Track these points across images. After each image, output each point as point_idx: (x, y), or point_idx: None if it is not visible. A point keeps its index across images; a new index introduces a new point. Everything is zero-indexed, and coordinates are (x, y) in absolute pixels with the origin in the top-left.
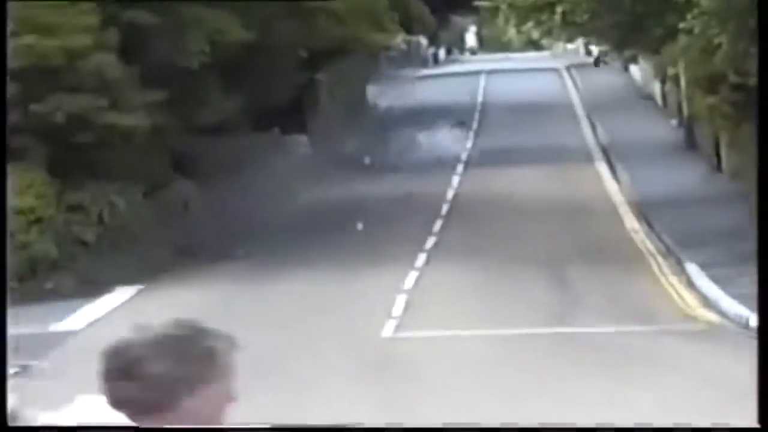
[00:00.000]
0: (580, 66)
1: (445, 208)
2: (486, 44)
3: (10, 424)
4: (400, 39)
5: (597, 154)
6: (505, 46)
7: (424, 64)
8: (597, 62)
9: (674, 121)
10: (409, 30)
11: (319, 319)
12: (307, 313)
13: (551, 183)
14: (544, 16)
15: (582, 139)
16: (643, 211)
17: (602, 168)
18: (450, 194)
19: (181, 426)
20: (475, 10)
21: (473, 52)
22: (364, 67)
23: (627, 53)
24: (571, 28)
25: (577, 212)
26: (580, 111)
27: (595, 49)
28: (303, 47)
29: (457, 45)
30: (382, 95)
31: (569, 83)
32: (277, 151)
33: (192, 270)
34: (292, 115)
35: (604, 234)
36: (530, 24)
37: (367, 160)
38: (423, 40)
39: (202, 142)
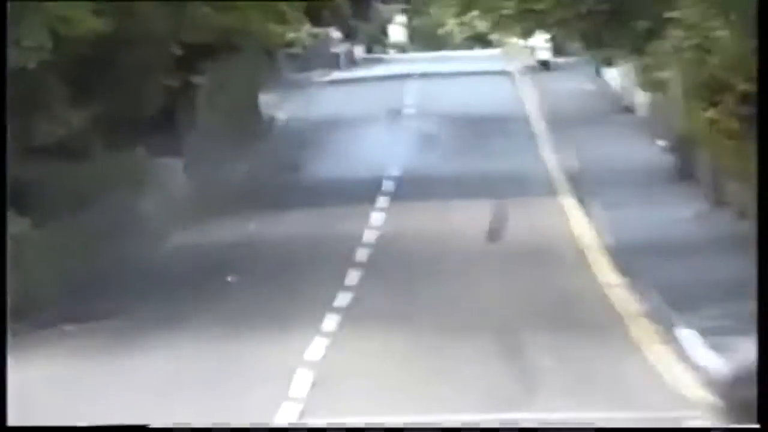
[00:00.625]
0: (539, 68)
1: (362, 255)
2: (417, 39)
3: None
4: (304, 32)
5: (561, 183)
6: (442, 43)
7: (336, 64)
8: (544, 65)
9: (662, 142)
10: (316, 20)
11: (188, 402)
12: (172, 394)
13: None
14: (492, 3)
15: (542, 164)
16: (622, 259)
17: (568, 202)
18: (369, 236)
19: (189, 426)
20: None
21: (401, 49)
22: (257, 69)
23: (601, 53)
24: (528, 19)
25: (535, 261)
26: (539, 127)
27: (542, 49)
28: (176, 41)
29: (379, 40)
30: (280, 105)
31: (526, 91)
32: (141, 177)
33: (21, 338)
34: (161, 130)
35: (569, 290)
36: (475, 12)
37: (258, 190)
38: (335, 34)
39: (41, 166)
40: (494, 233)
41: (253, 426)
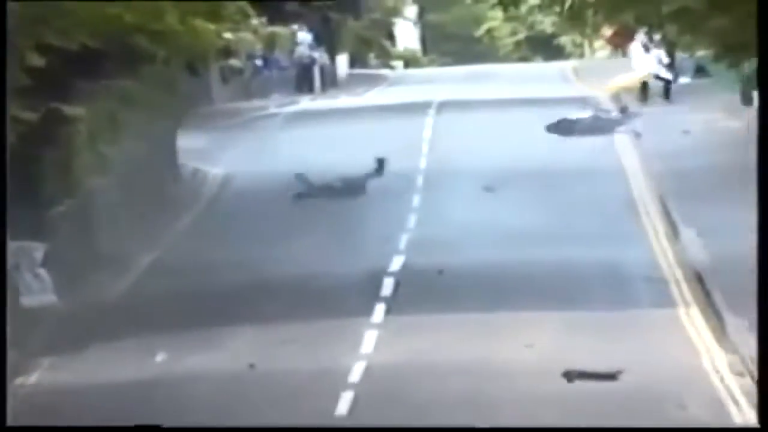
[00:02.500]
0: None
1: (344, 404)
2: (437, 46)
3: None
4: (251, 33)
5: (683, 286)
6: (479, 52)
7: (306, 86)
8: (624, 111)
9: None
10: (272, 14)
11: None
12: None
13: (582, 354)
14: None
15: (649, 253)
16: None
17: (695, 320)
18: (355, 373)
19: (184, 426)
20: None
21: (411, 61)
22: (174, 93)
23: (752, 67)
24: (625, 9)
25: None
26: (642, 191)
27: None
28: (33, 45)
29: (376, 47)
30: (212, 154)
31: (620, 132)
32: None
33: None
34: (8, 195)
35: None
36: (534, 0)
37: (173, 296)
38: (303, 36)
39: None
40: (573, 373)
41: (261, 426)
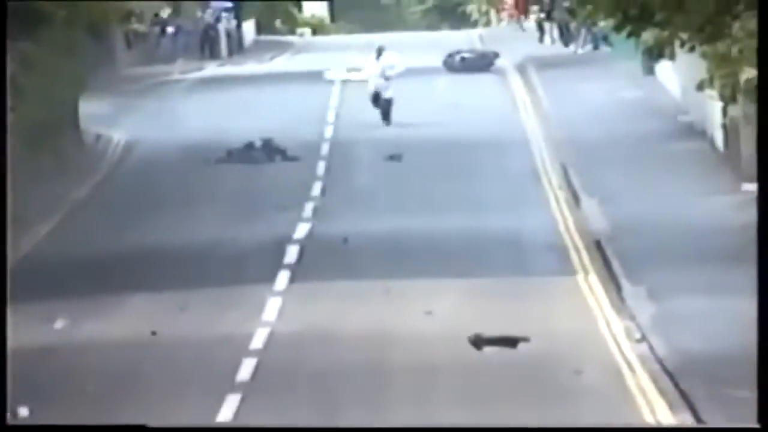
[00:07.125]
0: (549, 62)
1: (246, 370)
2: (344, 12)
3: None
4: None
5: (582, 254)
6: (387, 19)
7: (211, 51)
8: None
9: (750, 186)
10: None
11: None
12: None
13: (481, 321)
14: None
15: (549, 220)
16: (687, 384)
17: (594, 287)
18: (258, 340)
19: (183, 426)
20: None
21: (317, 28)
22: (76, 58)
23: (652, 37)
24: None
25: (547, 404)
26: (547, 161)
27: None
28: None
29: (282, 14)
30: (115, 120)
31: (525, 99)
32: None
33: None
34: None
35: None
36: None
37: (74, 263)
38: (217, 2)
39: None
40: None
41: (250, 426)
